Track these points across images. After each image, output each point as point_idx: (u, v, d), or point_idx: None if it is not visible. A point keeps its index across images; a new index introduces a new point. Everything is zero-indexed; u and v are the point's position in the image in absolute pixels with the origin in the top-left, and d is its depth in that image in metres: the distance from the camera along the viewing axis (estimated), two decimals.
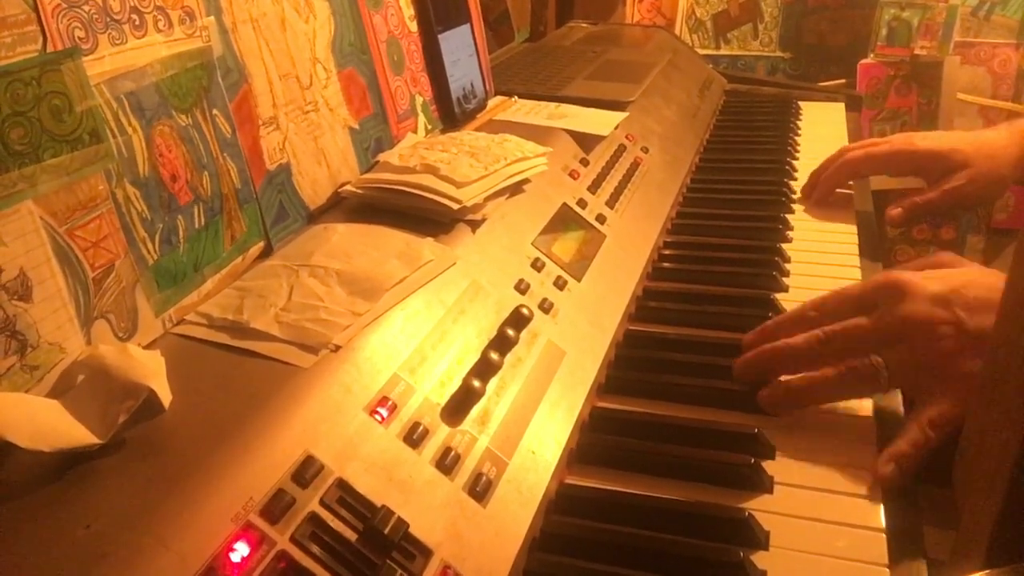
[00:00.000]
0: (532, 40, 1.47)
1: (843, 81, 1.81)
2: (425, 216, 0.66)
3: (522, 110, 0.97)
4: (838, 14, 1.87)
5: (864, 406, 0.63)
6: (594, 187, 0.85)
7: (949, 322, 0.58)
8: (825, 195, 1.01)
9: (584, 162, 0.88)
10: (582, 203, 0.81)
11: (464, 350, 0.56)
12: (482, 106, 0.96)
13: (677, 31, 1.90)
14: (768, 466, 0.57)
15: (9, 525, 0.37)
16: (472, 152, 0.73)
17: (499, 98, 1.00)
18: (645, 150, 1.00)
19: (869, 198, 1.04)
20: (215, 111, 0.58)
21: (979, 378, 0.49)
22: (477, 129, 0.88)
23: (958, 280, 0.60)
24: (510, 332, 0.59)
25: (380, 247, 0.60)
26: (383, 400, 0.49)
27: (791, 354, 0.62)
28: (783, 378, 0.63)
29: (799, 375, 0.62)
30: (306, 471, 0.43)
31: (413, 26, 0.86)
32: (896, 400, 0.63)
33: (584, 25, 1.57)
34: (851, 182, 1.03)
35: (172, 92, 0.55)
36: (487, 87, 0.98)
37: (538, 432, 0.56)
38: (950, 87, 1.81)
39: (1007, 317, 0.44)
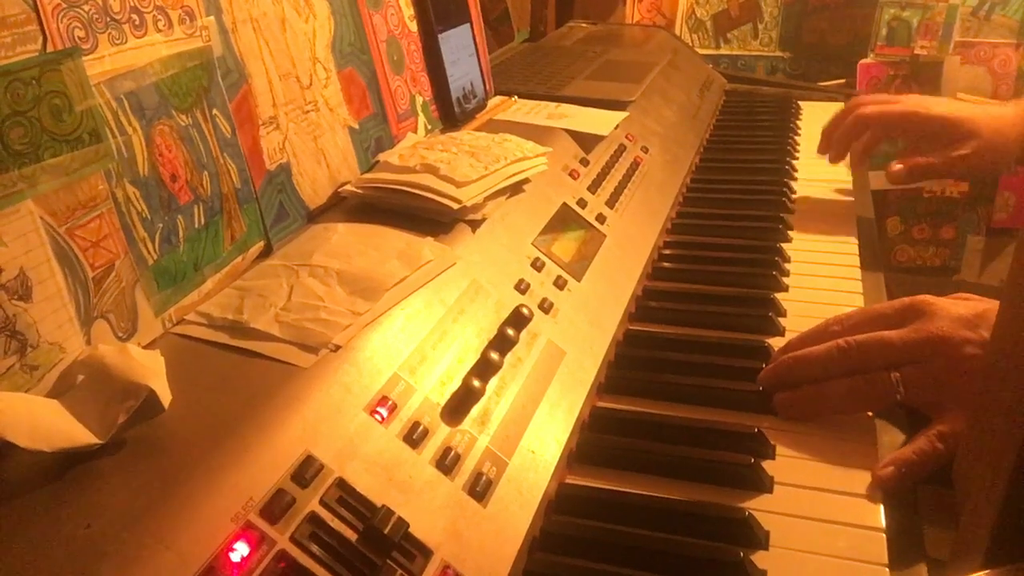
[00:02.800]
0: (532, 40, 1.47)
1: (843, 81, 1.80)
2: (425, 216, 0.66)
3: (522, 110, 0.97)
4: (838, 14, 1.87)
5: None
6: (594, 187, 0.85)
7: (975, 342, 0.58)
8: (841, 153, 1.02)
9: (584, 162, 0.88)
10: (582, 203, 0.81)
11: (464, 350, 0.56)
12: (482, 106, 0.96)
13: (677, 31, 1.90)
14: (768, 466, 0.57)
15: (9, 525, 0.37)
16: (472, 152, 0.72)
17: (499, 98, 1.00)
18: (645, 150, 1.00)
19: (868, 199, 1.05)
20: (215, 111, 0.58)
21: (979, 379, 0.49)
22: (477, 129, 0.88)
23: (983, 305, 0.61)
24: (510, 332, 0.59)
25: (380, 247, 0.60)
26: (383, 400, 0.49)
27: (810, 362, 0.62)
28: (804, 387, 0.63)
29: (814, 385, 0.62)
30: (306, 471, 0.43)
31: (413, 26, 0.86)
32: None
33: (584, 25, 1.57)
34: (849, 189, 1.04)
35: (172, 92, 0.55)
36: (487, 87, 0.98)
37: (538, 432, 0.56)
38: (950, 87, 1.81)
39: (1007, 317, 0.44)
